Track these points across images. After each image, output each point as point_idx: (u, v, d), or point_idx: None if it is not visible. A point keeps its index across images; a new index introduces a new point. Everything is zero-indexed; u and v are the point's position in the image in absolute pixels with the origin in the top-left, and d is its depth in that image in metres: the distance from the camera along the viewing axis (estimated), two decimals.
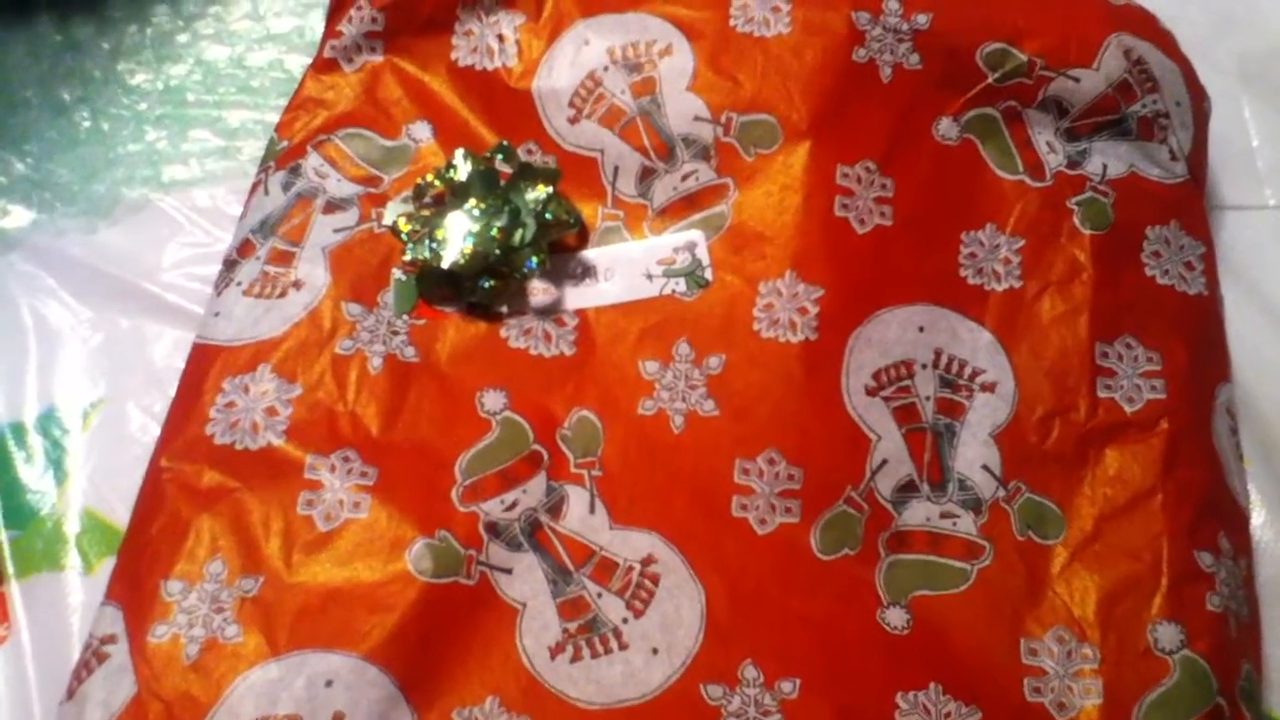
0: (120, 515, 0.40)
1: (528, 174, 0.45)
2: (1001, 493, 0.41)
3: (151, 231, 0.50)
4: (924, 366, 0.43)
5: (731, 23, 0.47)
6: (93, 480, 0.45)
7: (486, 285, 0.43)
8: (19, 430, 0.46)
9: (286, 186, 0.46)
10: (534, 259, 0.43)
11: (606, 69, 0.47)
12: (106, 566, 0.39)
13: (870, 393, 0.42)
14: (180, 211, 0.51)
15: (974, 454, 0.42)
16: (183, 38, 0.55)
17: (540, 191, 0.44)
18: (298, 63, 0.53)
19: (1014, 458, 0.42)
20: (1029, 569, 0.40)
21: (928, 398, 0.42)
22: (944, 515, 0.41)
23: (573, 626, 0.38)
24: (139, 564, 0.38)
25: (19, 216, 0.51)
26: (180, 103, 0.54)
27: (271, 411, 0.41)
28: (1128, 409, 0.43)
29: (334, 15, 0.49)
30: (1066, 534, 0.41)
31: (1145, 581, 0.39)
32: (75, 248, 0.50)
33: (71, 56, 0.54)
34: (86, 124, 0.53)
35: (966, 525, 0.41)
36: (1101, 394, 0.43)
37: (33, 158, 0.52)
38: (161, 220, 0.51)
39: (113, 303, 0.48)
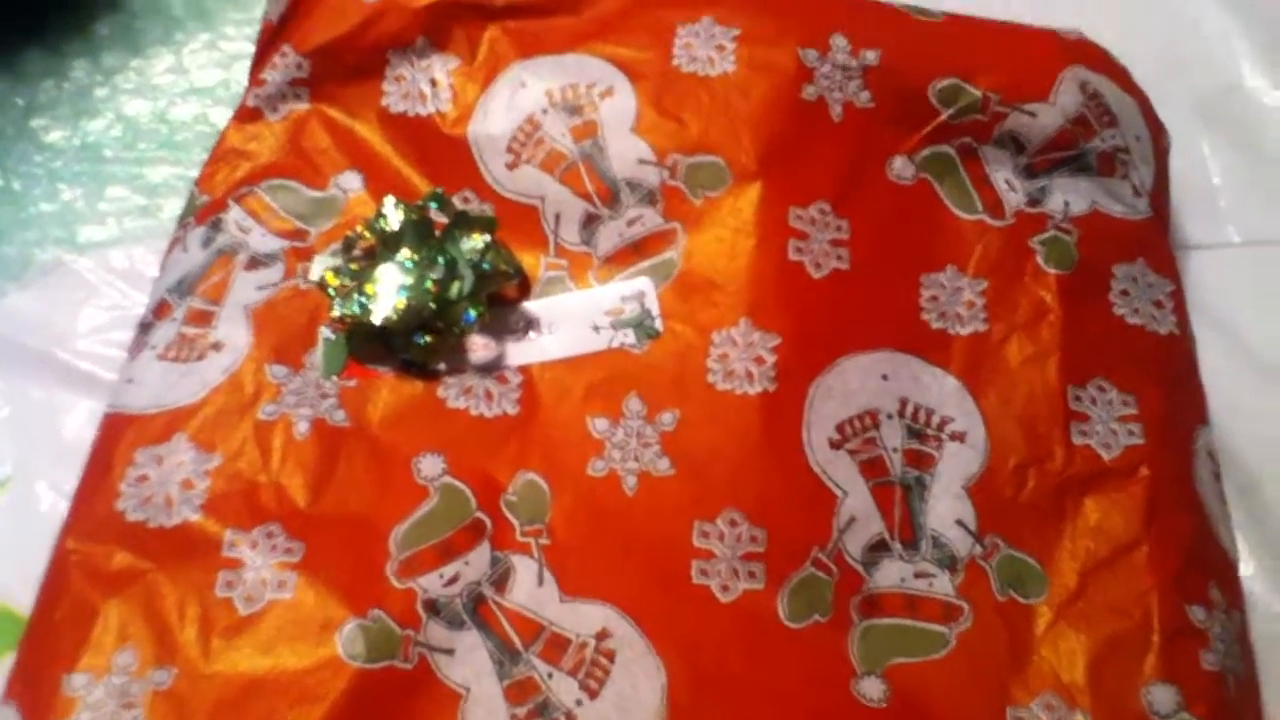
0: (27, 604, 0.37)
1: (464, 222, 0.42)
2: (978, 549, 0.39)
3: (64, 295, 0.47)
4: (889, 416, 0.40)
5: (674, 62, 0.45)
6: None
7: (422, 342, 0.40)
8: None
9: (206, 242, 0.43)
10: (472, 312, 0.41)
11: (545, 112, 0.45)
12: (9, 661, 0.36)
13: (834, 445, 0.40)
14: (95, 273, 0.48)
15: (946, 508, 0.39)
16: (102, 92, 0.53)
17: (477, 241, 0.42)
18: (223, 116, 0.51)
19: (989, 511, 0.39)
20: (1012, 631, 0.38)
21: (895, 449, 0.40)
22: (918, 575, 0.38)
23: (521, 712, 0.35)
24: (40, 657, 0.35)
25: None
26: (98, 159, 0.51)
27: (187, 484, 0.38)
28: (1105, 456, 0.40)
29: (258, 63, 0.47)
30: (1049, 592, 0.38)
31: (1136, 640, 0.37)
32: None
33: None
34: None
35: (943, 585, 0.38)
36: (1076, 440, 0.41)
37: None
38: (75, 283, 0.47)
39: (22, 372, 0.45)
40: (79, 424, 0.44)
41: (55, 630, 0.35)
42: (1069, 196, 0.45)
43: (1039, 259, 0.44)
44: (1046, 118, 0.45)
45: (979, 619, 0.38)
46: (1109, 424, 0.41)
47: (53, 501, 0.42)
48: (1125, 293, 0.44)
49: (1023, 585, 0.38)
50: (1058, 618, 0.38)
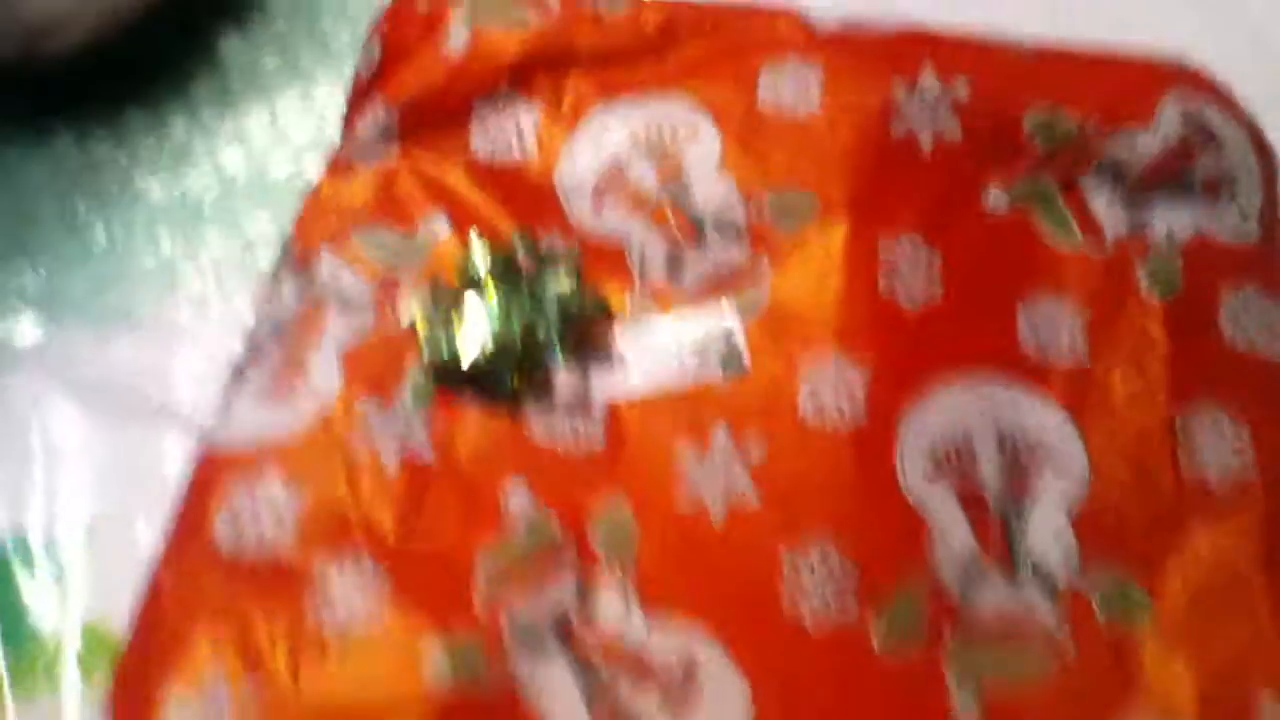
0: (124, 631, 0.37)
1: (549, 262, 0.42)
2: (1081, 575, 0.37)
3: (164, 343, 0.48)
4: (985, 443, 0.39)
5: (760, 104, 0.45)
6: (96, 595, 0.43)
7: (509, 381, 0.40)
8: (22, 547, 0.44)
9: (299, 289, 0.44)
10: (559, 351, 0.40)
11: (630, 154, 0.45)
12: (106, 685, 0.37)
13: (929, 478, 0.38)
14: (194, 322, 0.49)
15: (1047, 537, 0.38)
16: (200, 148, 0.54)
17: (563, 280, 0.42)
18: (315, 167, 0.52)
19: (1092, 537, 0.38)
20: (1117, 660, 0.36)
21: (991, 475, 0.39)
22: (1017, 600, 0.36)
23: None
24: (136, 686, 0.35)
25: (30, 331, 0.49)
26: (196, 213, 0.52)
27: (279, 519, 0.38)
28: (1216, 489, 0.39)
29: (350, 115, 0.48)
30: (1155, 619, 0.36)
31: (1248, 668, 0.35)
32: (86, 361, 0.48)
33: (89, 173, 0.54)
34: (102, 238, 0.52)
35: (1043, 611, 0.36)
36: (1186, 473, 0.39)
37: (46, 271, 0.50)
38: (174, 332, 0.49)
39: (123, 416, 0.46)
40: (175, 464, 0.44)
41: (150, 660, 0.36)
42: (1172, 222, 0.43)
43: (1143, 287, 0.42)
44: (1147, 145, 0.44)
45: (1082, 647, 0.36)
46: (1220, 455, 0.39)
47: (151, 539, 0.42)
48: (1236, 319, 0.42)
49: (1129, 613, 0.37)
50: (1164, 646, 0.36)
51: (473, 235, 0.42)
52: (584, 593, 0.37)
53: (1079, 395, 0.40)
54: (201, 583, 0.37)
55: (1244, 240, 0.43)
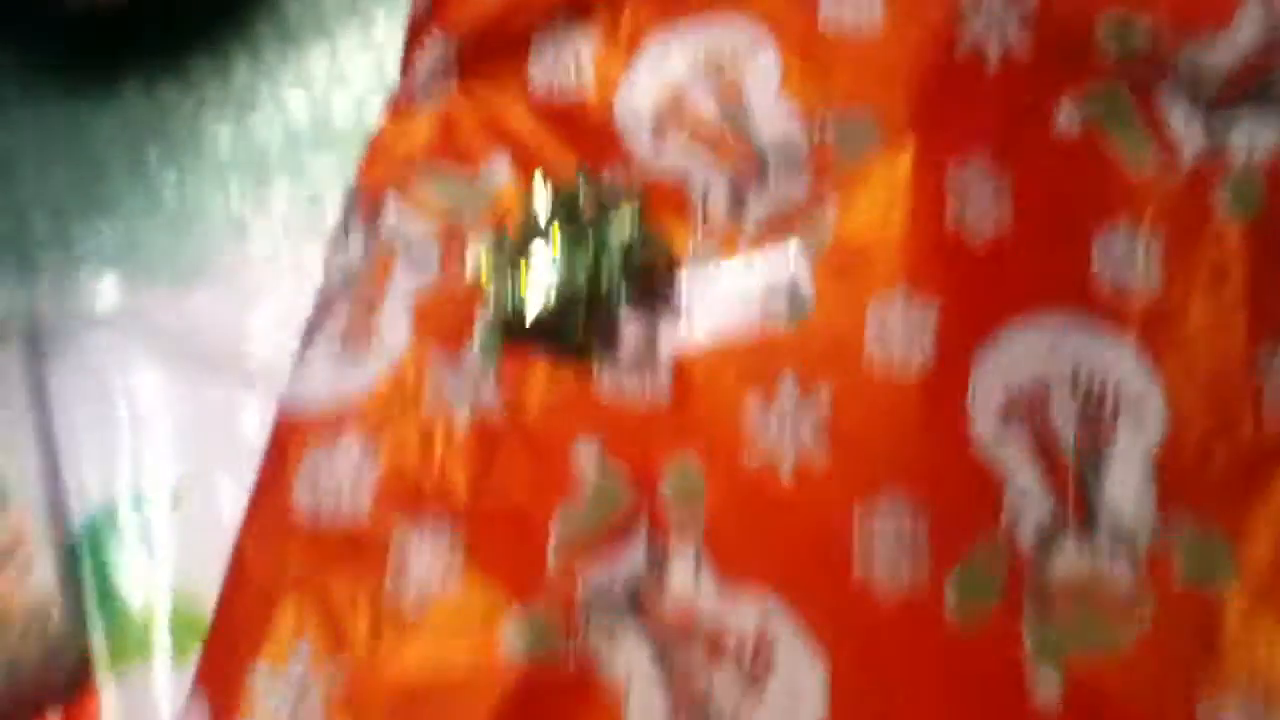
0: (211, 599, 0.39)
1: (613, 206, 0.42)
2: (1161, 530, 0.36)
3: (239, 295, 0.49)
4: (1060, 388, 0.38)
5: (821, 16, 0.43)
6: (184, 563, 0.44)
7: (574, 331, 0.40)
8: (111, 513, 0.45)
9: (366, 238, 0.44)
10: (623, 299, 0.40)
11: (690, 79, 0.44)
12: (197, 654, 0.38)
13: (1001, 420, 0.38)
14: (265, 273, 0.50)
15: (1125, 486, 0.37)
16: (264, 88, 0.54)
17: (626, 222, 0.41)
18: (377, 105, 0.51)
19: (1172, 488, 0.37)
20: (1201, 621, 0.35)
21: (1067, 424, 0.38)
22: (1096, 559, 0.36)
23: (682, 705, 0.35)
24: (224, 651, 0.37)
25: (107, 286, 0.50)
26: (263, 158, 0.53)
27: (356, 481, 0.39)
28: None
29: (409, 51, 0.47)
30: (1243, 573, 0.36)
31: None
32: (164, 316, 0.49)
33: (157, 120, 0.54)
34: (172, 186, 0.52)
35: (1123, 570, 0.36)
36: (1268, 410, 0.37)
37: (120, 224, 0.51)
38: (249, 282, 0.49)
39: (202, 373, 0.47)
40: (255, 421, 0.46)
41: (237, 626, 0.37)
42: (1256, 136, 0.41)
43: (1221, 211, 0.40)
44: (1227, 48, 0.41)
45: (1164, 607, 0.35)
46: None
47: (235, 496, 0.44)
48: None
49: (1212, 569, 0.36)
50: (1255, 606, 0.35)
51: (536, 179, 0.42)
52: (655, 560, 0.37)
53: (1154, 329, 0.39)
54: (284, 551, 0.38)
55: None
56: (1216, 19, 0.42)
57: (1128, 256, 0.40)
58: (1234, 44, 0.41)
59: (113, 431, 0.46)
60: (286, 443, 0.40)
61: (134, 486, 0.46)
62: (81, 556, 0.44)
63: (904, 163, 0.41)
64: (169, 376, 0.47)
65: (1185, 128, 0.41)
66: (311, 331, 0.43)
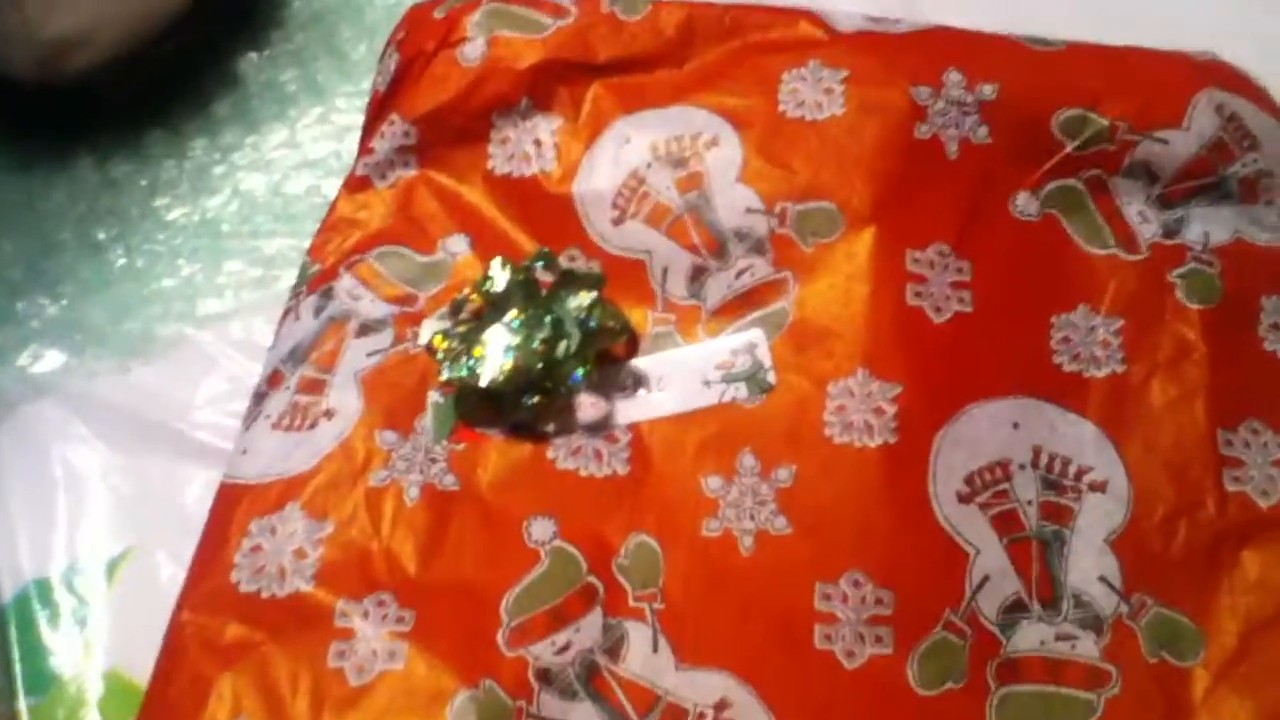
0: (146, 675, 0.37)
1: (570, 281, 0.41)
2: (1125, 608, 0.36)
3: (185, 368, 0.48)
4: (1022, 467, 0.38)
5: (781, 108, 0.44)
6: (118, 638, 0.42)
7: (530, 403, 0.40)
8: (44, 587, 0.43)
9: (318, 311, 0.43)
10: (580, 371, 0.40)
11: (650, 166, 0.44)
12: None
13: (963, 499, 0.38)
14: (215, 346, 0.48)
15: (1089, 564, 0.36)
16: (219, 169, 0.54)
17: (584, 299, 0.41)
18: (335, 187, 0.51)
19: (1136, 566, 0.36)
20: (1166, 698, 0.35)
21: (1030, 502, 0.37)
22: (1060, 637, 0.36)
23: None
24: None
25: (51, 360, 0.49)
26: (216, 234, 0.52)
27: (300, 554, 0.37)
28: (1262, 503, 0.37)
29: (367, 132, 0.47)
30: (1206, 653, 0.35)
31: None
32: (107, 389, 0.47)
33: (109, 196, 0.53)
34: (122, 262, 0.51)
35: (1087, 648, 0.35)
36: (1230, 488, 0.38)
37: (67, 299, 0.50)
38: (196, 356, 0.48)
39: (144, 445, 0.46)
40: (198, 495, 0.44)
41: (171, 702, 0.35)
42: (1209, 226, 0.42)
43: (1179, 294, 0.41)
44: (1180, 144, 0.42)
45: (1129, 684, 0.35)
46: (1265, 469, 0.38)
47: (173, 572, 0.42)
48: (1276, 326, 0.40)
49: (1176, 646, 0.35)
50: (1217, 682, 0.35)
51: (495, 259, 0.42)
52: (610, 630, 0.36)
53: (1116, 406, 0.39)
54: (222, 625, 0.36)
55: None
56: (1169, 117, 0.43)
57: (1087, 338, 0.40)
58: (1188, 138, 0.42)
59: (49, 504, 0.45)
60: (229, 513, 0.39)
61: (69, 559, 0.44)
62: (8, 628, 0.42)
63: (864, 246, 0.42)
64: (109, 447, 0.46)
65: (1141, 219, 0.42)
66: (259, 402, 0.42)
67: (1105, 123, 0.43)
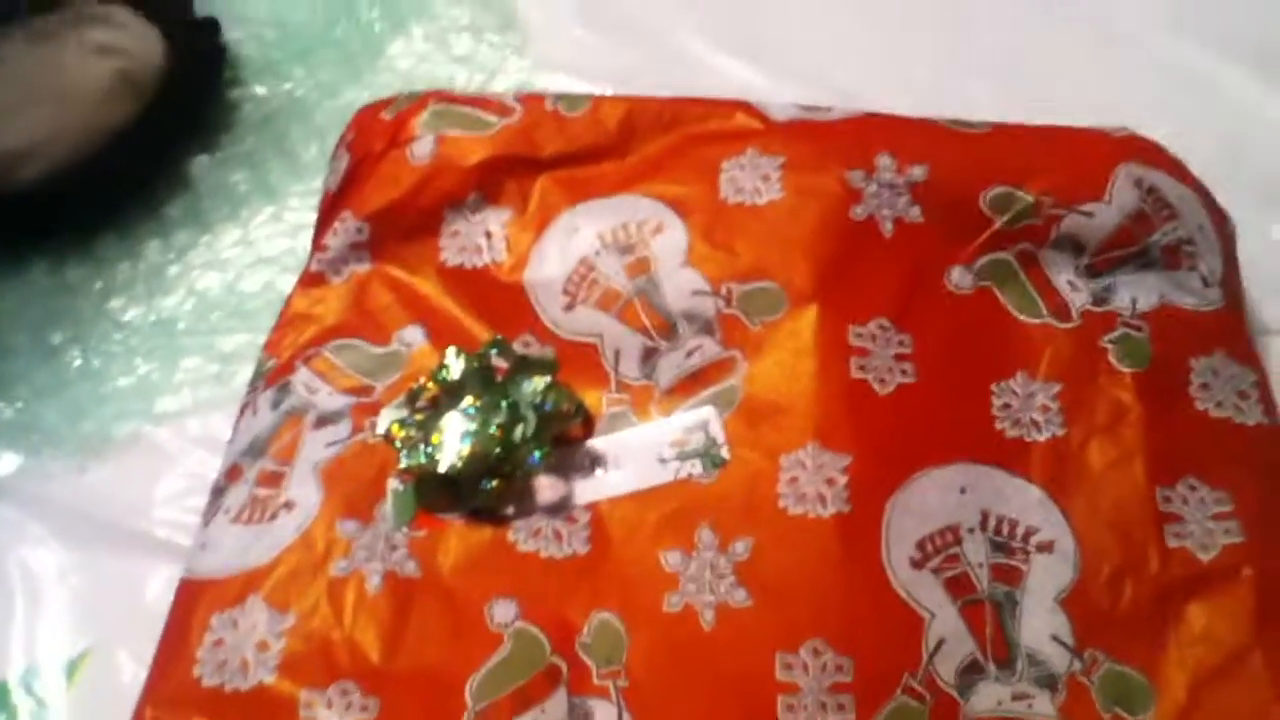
0: None
1: (524, 366, 0.42)
2: (1078, 665, 0.37)
3: (143, 466, 0.48)
4: (971, 530, 0.39)
5: (722, 194, 0.46)
6: None
7: (489, 486, 0.40)
8: (2, 691, 0.43)
9: (275, 404, 0.44)
10: (537, 454, 0.40)
11: (598, 253, 0.45)
12: None
13: (916, 565, 0.38)
14: (173, 443, 0.49)
15: (1041, 624, 0.37)
16: (174, 269, 0.55)
17: (539, 383, 0.42)
18: (289, 283, 0.52)
19: (1086, 624, 0.37)
20: None
21: (980, 565, 0.38)
22: (1016, 697, 0.36)
23: None
24: None
25: (7, 463, 0.49)
26: (172, 333, 0.53)
27: (262, 646, 0.37)
28: (1203, 557, 0.39)
29: (320, 230, 0.48)
30: (1158, 707, 0.36)
31: None
32: (63, 491, 0.47)
33: (64, 299, 0.54)
34: (77, 363, 0.52)
35: (1043, 706, 0.36)
36: (1172, 543, 0.39)
37: (22, 401, 0.50)
38: (153, 454, 0.49)
39: (102, 544, 0.46)
40: (157, 592, 0.44)
41: None
42: (1136, 293, 0.44)
43: (1112, 358, 0.42)
44: (1104, 217, 0.44)
45: None
46: (1204, 523, 0.39)
47: (134, 671, 0.43)
48: (1206, 386, 0.42)
49: (1129, 701, 0.36)
50: None
51: (450, 349, 0.42)
52: (575, 709, 0.36)
53: (1057, 468, 0.40)
54: (185, 717, 0.36)
55: (1208, 307, 0.44)
56: (1092, 191, 0.45)
57: (1027, 404, 0.41)
58: (1110, 210, 0.44)
59: (6, 606, 0.44)
60: (190, 608, 0.39)
61: (27, 661, 0.43)
62: None
63: (808, 323, 0.43)
64: (66, 547, 0.46)
65: (1071, 288, 0.44)
66: (217, 496, 0.42)
67: (1031, 199, 0.45)
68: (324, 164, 0.52)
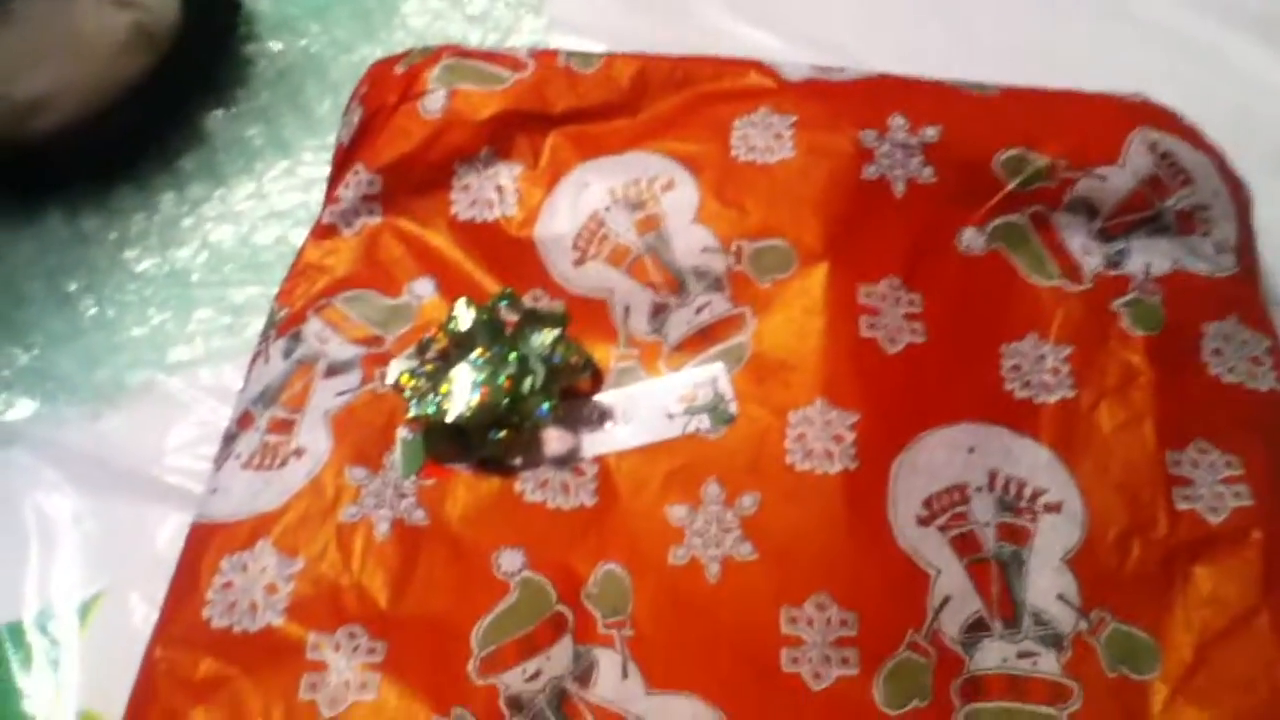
0: (120, 714, 0.37)
1: (534, 319, 0.42)
2: (1084, 624, 0.37)
3: (155, 414, 0.48)
4: (979, 490, 0.39)
5: (733, 153, 0.46)
6: (91, 680, 0.42)
7: (497, 437, 0.40)
8: (16, 631, 0.43)
9: (287, 354, 0.44)
10: (546, 406, 0.41)
11: (609, 209, 0.45)
12: None
13: (922, 522, 0.38)
14: (185, 392, 0.49)
15: (1047, 583, 0.37)
16: (188, 221, 0.55)
17: (548, 336, 0.42)
18: (302, 236, 0.52)
19: (1093, 584, 0.37)
20: (1126, 711, 0.35)
21: (987, 524, 0.38)
22: (1022, 655, 0.36)
23: None
24: None
25: (21, 409, 0.49)
26: (185, 284, 0.53)
27: (271, 589, 0.38)
28: (1212, 520, 0.38)
29: (333, 182, 0.48)
30: (1164, 667, 0.36)
31: (1264, 716, 0.35)
32: (77, 437, 0.48)
33: (79, 248, 0.54)
34: (92, 312, 0.52)
35: (1049, 664, 0.36)
36: (1180, 506, 0.39)
37: (38, 349, 0.51)
38: (166, 402, 0.49)
39: (115, 490, 0.46)
40: (169, 537, 0.45)
41: None
42: (1149, 258, 0.44)
43: (1123, 322, 0.42)
44: (1117, 181, 0.44)
45: (1089, 699, 0.36)
46: (1213, 487, 0.39)
47: (145, 613, 0.43)
48: (1218, 351, 0.42)
49: (1135, 661, 0.36)
50: (1175, 694, 0.36)
51: (460, 301, 0.42)
52: (580, 657, 0.36)
53: (1066, 430, 0.40)
54: (194, 661, 0.36)
55: (1221, 272, 0.44)
56: (1106, 154, 0.45)
57: (1037, 365, 0.41)
58: (1124, 175, 0.44)
59: (22, 549, 0.45)
60: (200, 552, 0.39)
61: (41, 602, 0.44)
62: None
63: (817, 281, 0.43)
64: (81, 492, 0.46)
65: (1084, 251, 0.44)
66: (229, 442, 0.42)
67: (1044, 161, 0.44)
68: (338, 119, 0.52)
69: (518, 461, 0.41)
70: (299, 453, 0.41)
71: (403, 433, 0.41)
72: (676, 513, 0.39)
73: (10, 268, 0.53)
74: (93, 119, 0.54)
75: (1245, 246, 0.45)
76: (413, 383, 0.41)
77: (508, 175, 0.47)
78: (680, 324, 0.43)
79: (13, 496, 0.46)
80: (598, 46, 0.52)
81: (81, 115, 0.54)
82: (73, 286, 0.52)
